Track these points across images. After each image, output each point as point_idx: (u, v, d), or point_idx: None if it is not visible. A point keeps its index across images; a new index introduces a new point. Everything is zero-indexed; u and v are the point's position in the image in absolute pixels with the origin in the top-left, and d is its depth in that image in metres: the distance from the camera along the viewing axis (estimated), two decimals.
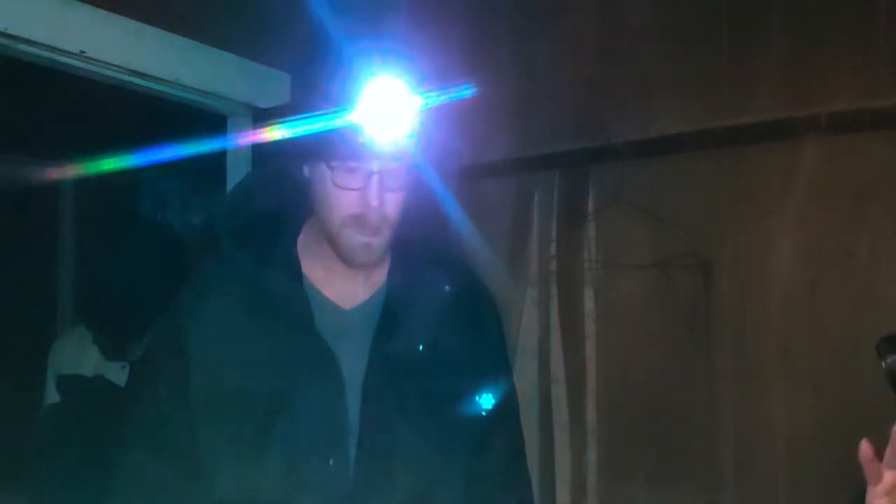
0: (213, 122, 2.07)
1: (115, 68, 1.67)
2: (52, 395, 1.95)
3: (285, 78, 2.03)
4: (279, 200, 1.17)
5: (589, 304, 1.85)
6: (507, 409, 1.24)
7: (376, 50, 1.07)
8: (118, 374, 1.88)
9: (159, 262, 1.91)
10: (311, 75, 1.06)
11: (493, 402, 1.21)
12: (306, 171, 1.10)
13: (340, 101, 1.02)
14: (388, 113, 1.03)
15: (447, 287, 1.18)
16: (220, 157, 2.08)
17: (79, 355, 1.93)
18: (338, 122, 1.02)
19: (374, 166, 1.05)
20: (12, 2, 1.48)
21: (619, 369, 1.81)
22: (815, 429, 1.55)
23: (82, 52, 1.59)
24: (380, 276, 1.16)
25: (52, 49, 1.55)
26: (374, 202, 1.05)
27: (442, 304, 1.16)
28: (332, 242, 1.09)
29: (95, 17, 1.61)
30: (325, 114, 1.02)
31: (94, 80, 1.71)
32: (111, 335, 1.92)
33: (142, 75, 1.72)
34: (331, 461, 1.05)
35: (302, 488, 1.04)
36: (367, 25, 1.11)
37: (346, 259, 1.10)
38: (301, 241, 1.15)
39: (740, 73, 1.66)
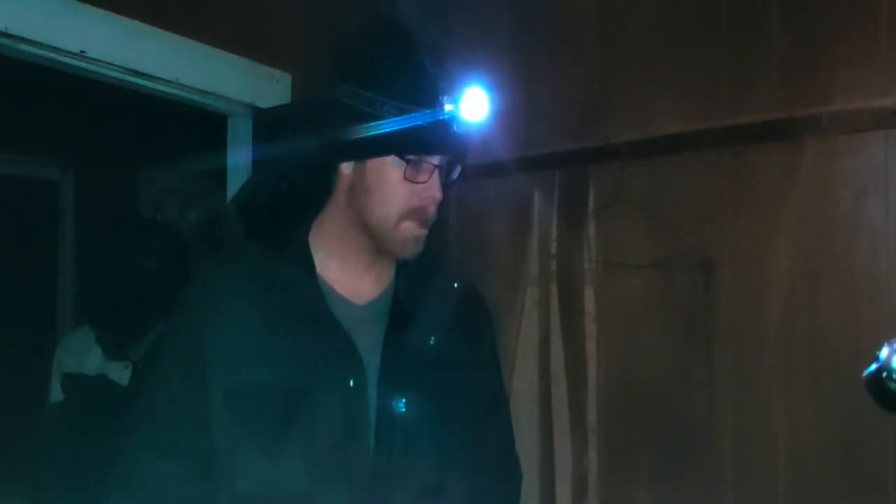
0: (214, 122, 2.07)
1: (115, 68, 1.67)
2: (56, 394, 1.96)
3: (286, 77, 2.04)
4: (290, 198, 1.18)
5: (589, 304, 1.85)
6: (503, 398, 1.34)
7: (446, 50, 1.09)
8: (121, 373, 1.89)
9: (161, 262, 1.91)
10: (391, 72, 1.06)
11: (491, 392, 1.29)
12: (345, 168, 1.11)
13: (423, 98, 1.04)
14: (466, 108, 1.05)
15: (449, 284, 1.22)
16: (220, 157, 2.08)
17: (82, 355, 1.94)
18: (424, 116, 1.03)
19: (439, 161, 1.08)
20: (12, 2, 1.48)
21: (620, 369, 1.81)
22: (815, 428, 1.55)
23: (82, 52, 1.59)
24: (388, 274, 1.19)
25: (53, 49, 1.55)
26: (439, 195, 1.09)
27: (445, 300, 1.20)
28: (382, 237, 1.11)
29: (96, 16, 1.61)
30: (408, 109, 1.03)
31: (94, 79, 1.71)
32: (113, 335, 1.93)
33: (142, 75, 1.72)
34: (353, 452, 1.08)
35: (326, 480, 1.06)
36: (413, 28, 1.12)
37: (395, 252, 1.13)
38: (313, 237, 1.16)
39: (740, 72, 1.66)
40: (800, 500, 1.56)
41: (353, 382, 1.08)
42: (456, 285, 1.22)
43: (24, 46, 1.52)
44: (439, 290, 1.19)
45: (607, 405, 1.83)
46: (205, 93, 1.86)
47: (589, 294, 1.85)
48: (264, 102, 1.98)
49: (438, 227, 1.16)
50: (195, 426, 1.08)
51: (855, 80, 1.52)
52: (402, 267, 1.18)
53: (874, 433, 1.49)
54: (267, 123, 1.97)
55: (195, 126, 2.28)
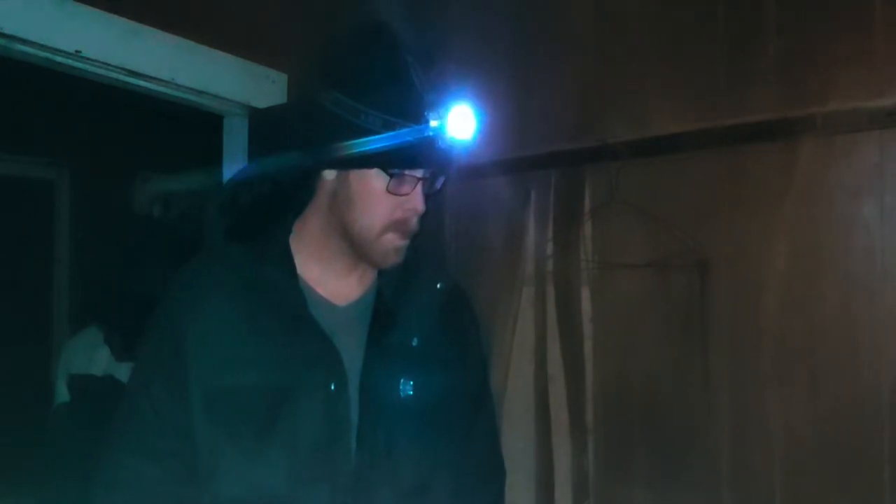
0: (210, 122, 2.07)
1: (111, 68, 1.67)
2: (63, 395, 1.95)
3: (282, 78, 2.04)
4: (271, 199, 1.18)
5: (585, 304, 1.85)
6: (488, 398, 1.33)
7: (437, 58, 1.08)
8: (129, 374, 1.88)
9: (170, 261, 1.91)
10: (378, 84, 1.05)
11: (475, 392, 1.29)
12: (328, 174, 1.10)
13: (410, 112, 1.03)
14: (453, 125, 1.04)
15: (432, 285, 1.21)
16: (216, 157, 2.08)
17: (90, 355, 1.93)
18: (409, 132, 1.02)
19: (423, 173, 1.07)
20: (8, 2, 1.47)
21: (616, 369, 1.81)
22: (811, 429, 1.55)
23: (78, 51, 1.58)
24: (371, 275, 1.18)
25: (48, 49, 1.55)
26: (422, 207, 1.09)
27: (428, 301, 1.19)
28: (363, 246, 1.10)
29: (91, 16, 1.61)
30: (394, 122, 1.02)
31: (90, 79, 1.70)
32: (122, 335, 1.92)
33: (138, 75, 1.72)
34: (334, 454, 1.07)
35: (306, 482, 1.06)
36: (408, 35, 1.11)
37: (375, 262, 1.13)
38: (294, 239, 1.16)
39: (736, 73, 1.67)
40: (796, 501, 1.56)
41: (335, 385, 1.08)
42: (439, 285, 1.21)
43: (19, 46, 1.52)
44: (422, 290, 1.19)
45: (603, 405, 1.83)
46: (201, 93, 1.86)
47: (585, 294, 1.86)
48: (260, 103, 1.98)
49: (433, 227, 1.16)
50: (177, 428, 1.07)
51: (850, 80, 1.53)
52: (385, 268, 1.18)
53: (870, 433, 1.49)
54: (263, 124, 1.97)
55: (191, 126, 2.27)
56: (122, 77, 1.71)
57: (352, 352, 1.10)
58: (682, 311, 1.71)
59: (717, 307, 1.67)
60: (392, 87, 1.04)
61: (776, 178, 1.61)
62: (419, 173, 1.07)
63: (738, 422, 1.64)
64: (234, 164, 2.01)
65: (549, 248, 1.92)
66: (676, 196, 1.74)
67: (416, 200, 1.08)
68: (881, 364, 1.48)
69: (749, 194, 1.65)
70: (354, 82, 1.05)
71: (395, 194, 1.07)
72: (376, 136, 1.02)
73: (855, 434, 1.51)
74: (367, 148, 1.02)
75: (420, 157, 1.05)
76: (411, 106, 1.03)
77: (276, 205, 1.17)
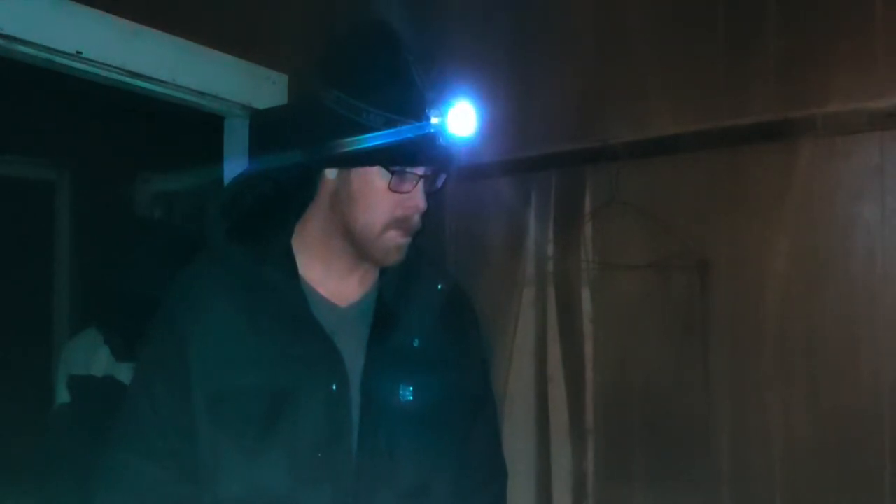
0: (211, 123, 2.07)
1: (111, 69, 1.67)
2: (63, 396, 1.94)
3: (282, 79, 2.04)
4: (273, 200, 1.18)
5: (586, 305, 1.85)
6: (489, 399, 1.33)
7: (438, 57, 1.08)
8: (129, 375, 1.88)
9: (171, 261, 1.91)
10: (380, 82, 1.05)
11: (477, 393, 1.29)
12: (329, 173, 1.11)
13: (411, 110, 1.03)
14: (454, 122, 1.04)
15: (433, 286, 1.21)
16: (216, 158, 2.08)
17: (90, 356, 1.93)
18: (411, 129, 1.02)
19: (424, 171, 1.08)
20: (9, 3, 1.48)
21: (616, 370, 1.81)
22: (811, 430, 1.55)
23: (79, 52, 1.59)
24: (372, 275, 1.19)
25: (49, 50, 1.55)
26: (423, 205, 1.09)
27: (430, 301, 1.20)
28: (365, 244, 1.10)
29: (92, 17, 1.61)
30: (395, 120, 1.03)
31: (90, 80, 1.71)
32: (123, 336, 1.92)
33: (138, 76, 1.72)
34: (335, 455, 1.07)
35: (308, 482, 1.06)
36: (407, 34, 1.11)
37: (377, 260, 1.13)
38: (296, 240, 1.16)
39: (736, 74, 1.67)
40: (796, 501, 1.56)
41: (336, 386, 1.08)
42: (440, 286, 1.21)
43: (20, 47, 1.52)
44: (424, 291, 1.19)
45: (604, 406, 1.83)
46: (201, 94, 1.86)
47: (585, 295, 1.86)
48: (261, 104, 1.99)
49: (432, 228, 1.16)
50: (178, 429, 1.08)
51: (850, 81, 1.53)
52: (386, 268, 1.18)
53: (870, 433, 1.49)
54: (263, 125, 1.97)
55: (192, 127, 2.28)
56: (122, 78, 1.71)
57: (353, 352, 1.11)
58: (682, 311, 1.72)
59: (717, 308, 1.67)
60: (393, 85, 1.04)
61: (776, 179, 1.61)
62: (420, 171, 1.08)
63: (739, 422, 1.64)
64: (234, 165, 2.01)
65: (550, 249, 1.92)
66: (676, 196, 1.74)
67: (417, 198, 1.09)
68: (881, 364, 1.48)
69: (749, 194, 1.65)
70: (355, 81, 1.05)
71: (397, 192, 1.07)
72: (378, 134, 1.02)
73: (855, 434, 1.51)
74: (368, 145, 1.03)
75: (421, 154, 1.05)
76: (412, 103, 1.03)
77: (277, 205, 1.17)
